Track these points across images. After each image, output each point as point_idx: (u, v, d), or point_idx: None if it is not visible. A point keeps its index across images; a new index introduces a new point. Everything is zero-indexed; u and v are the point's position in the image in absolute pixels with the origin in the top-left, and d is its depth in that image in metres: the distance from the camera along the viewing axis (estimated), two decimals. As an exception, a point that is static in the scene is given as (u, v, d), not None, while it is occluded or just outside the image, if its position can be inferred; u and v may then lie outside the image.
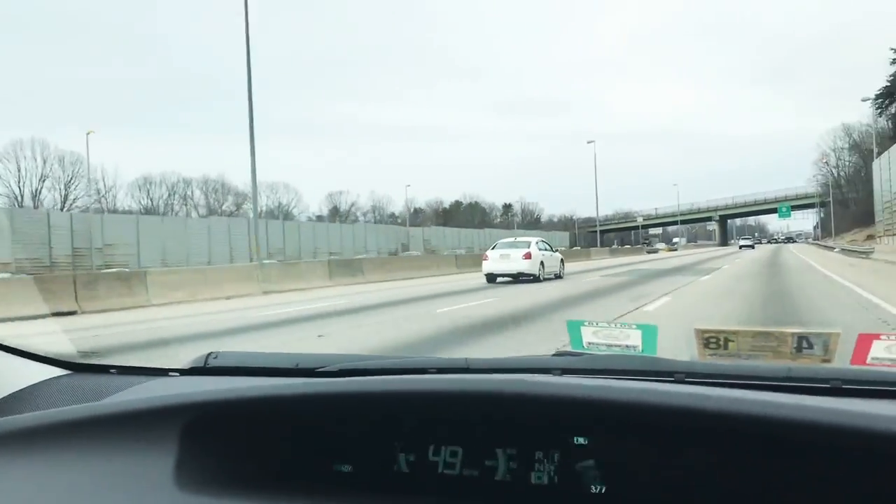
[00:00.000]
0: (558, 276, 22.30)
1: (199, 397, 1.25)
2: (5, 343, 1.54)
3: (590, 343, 1.42)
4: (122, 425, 1.26)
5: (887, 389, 1.18)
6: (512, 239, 23.47)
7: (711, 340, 1.38)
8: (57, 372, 1.60)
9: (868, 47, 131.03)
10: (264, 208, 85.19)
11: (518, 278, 20.67)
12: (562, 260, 23.67)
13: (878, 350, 1.29)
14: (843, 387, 1.20)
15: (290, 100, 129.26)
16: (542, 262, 21.21)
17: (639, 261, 41.28)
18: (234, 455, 1.24)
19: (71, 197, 67.45)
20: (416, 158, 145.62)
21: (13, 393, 1.48)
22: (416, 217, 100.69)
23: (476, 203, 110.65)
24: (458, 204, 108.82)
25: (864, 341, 1.30)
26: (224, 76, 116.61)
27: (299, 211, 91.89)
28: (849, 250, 42.47)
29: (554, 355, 1.47)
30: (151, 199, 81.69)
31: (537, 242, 22.06)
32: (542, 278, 20.75)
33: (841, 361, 1.33)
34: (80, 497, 1.15)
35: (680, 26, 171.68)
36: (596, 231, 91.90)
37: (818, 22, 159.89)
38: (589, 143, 53.84)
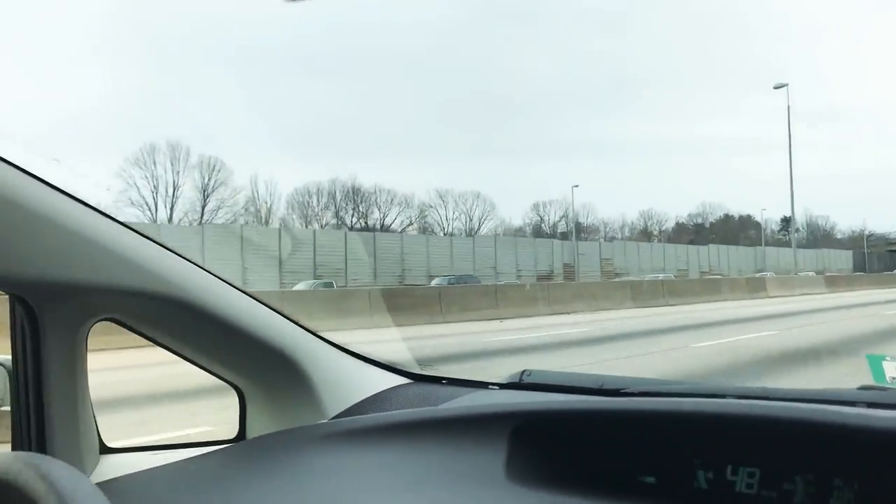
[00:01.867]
0: None
1: (525, 407, 1.48)
2: (365, 356, 1.91)
3: (893, 378, 1.44)
4: (457, 427, 1.53)
5: None
6: None
7: None
8: (400, 380, 1.94)
9: None
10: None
11: None
12: None
13: None
14: None
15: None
16: None
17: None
18: (552, 458, 1.45)
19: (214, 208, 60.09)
20: (674, 172, 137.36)
21: (369, 397, 1.83)
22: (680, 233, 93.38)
23: (748, 216, 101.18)
24: (727, 218, 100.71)
25: None
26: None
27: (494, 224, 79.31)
28: None
29: (858, 389, 1.51)
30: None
31: None
32: None
33: None
34: (425, 483, 1.43)
35: None
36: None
37: None
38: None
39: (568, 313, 19.83)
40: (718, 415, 1.34)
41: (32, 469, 1.07)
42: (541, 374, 1.83)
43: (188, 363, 1.76)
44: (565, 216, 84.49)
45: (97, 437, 1.64)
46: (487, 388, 1.88)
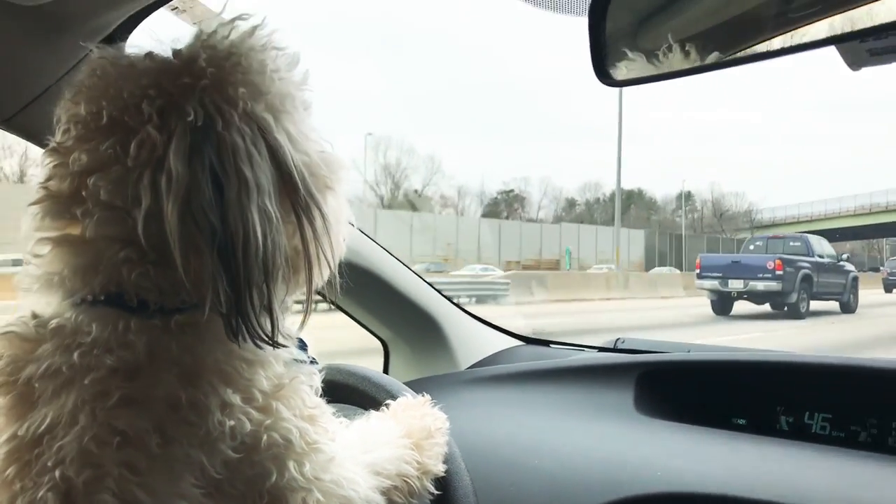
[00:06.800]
0: None
1: (645, 359, 1.86)
2: (486, 320, 2.27)
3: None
4: (586, 375, 1.89)
5: None
6: None
7: None
8: (515, 342, 2.29)
9: None
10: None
11: None
12: None
13: None
14: None
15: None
16: None
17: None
18: (672, 398, 1.81)
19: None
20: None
21: (493, 354, 2.19)
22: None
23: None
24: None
25: None
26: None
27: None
28: None
29: None
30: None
31: None
32: None
33: None
34: (566, 414, 1.78)
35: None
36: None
37: None
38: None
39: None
40: (797, 366, 1.73)
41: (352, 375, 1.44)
42: (633, 342, 2.20)
43: (344, 314, 2.11)
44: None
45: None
46: (586, 350, 2.24)
